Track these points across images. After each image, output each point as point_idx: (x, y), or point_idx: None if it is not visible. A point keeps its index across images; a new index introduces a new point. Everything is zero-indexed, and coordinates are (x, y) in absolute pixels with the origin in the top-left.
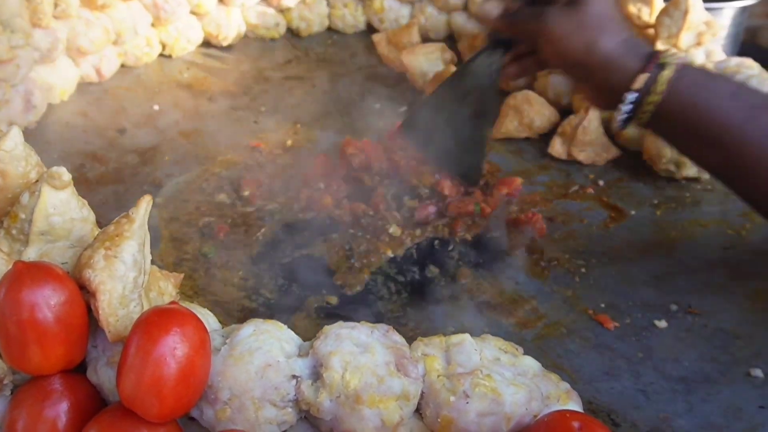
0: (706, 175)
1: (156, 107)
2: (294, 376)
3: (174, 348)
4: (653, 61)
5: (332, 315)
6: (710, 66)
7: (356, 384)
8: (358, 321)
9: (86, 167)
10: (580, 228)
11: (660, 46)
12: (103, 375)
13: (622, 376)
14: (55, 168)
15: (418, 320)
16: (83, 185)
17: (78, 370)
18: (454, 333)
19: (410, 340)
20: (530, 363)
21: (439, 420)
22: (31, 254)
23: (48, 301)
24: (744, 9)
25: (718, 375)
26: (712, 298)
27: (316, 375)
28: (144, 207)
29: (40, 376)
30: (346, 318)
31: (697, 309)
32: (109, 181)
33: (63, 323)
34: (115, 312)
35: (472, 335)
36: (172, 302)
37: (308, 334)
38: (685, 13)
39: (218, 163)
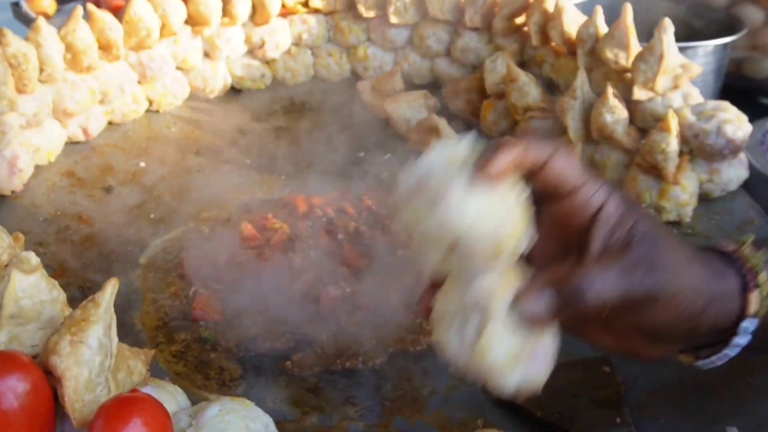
0: (687, 219)
1: (142, 164)
2: None
3: None
4: (748, 273)
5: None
6: (687, 110)
7: None
8: None
9: (72, 229)
10: None
11: (638, 93)
12: None
13: None
14: (23, 253)
15: None
16: (69, 247)
17: None
18: None
19: None
20: None
21: None
22: (2, 338)
23: (14, 390)
24: (725, 45)
25: None
26: None
27: None
28: (110, 290)
29: None
30: None
31: None
32: (94, 243)
33: (28, 412)
34: (81, 398)
35: None
36: (134, 390)
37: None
38: (660, 57)
39: (202, 220)
